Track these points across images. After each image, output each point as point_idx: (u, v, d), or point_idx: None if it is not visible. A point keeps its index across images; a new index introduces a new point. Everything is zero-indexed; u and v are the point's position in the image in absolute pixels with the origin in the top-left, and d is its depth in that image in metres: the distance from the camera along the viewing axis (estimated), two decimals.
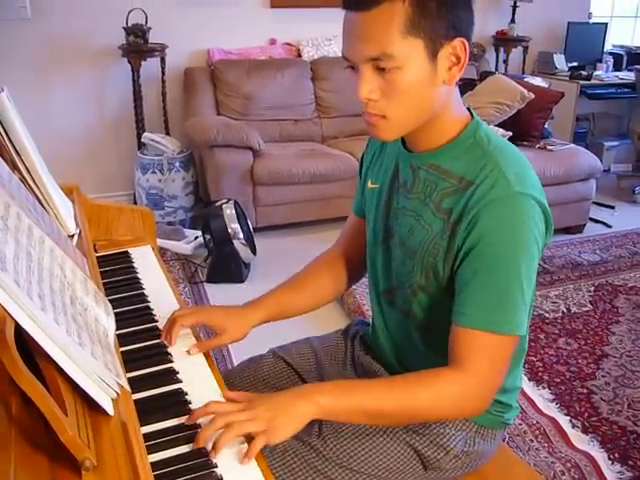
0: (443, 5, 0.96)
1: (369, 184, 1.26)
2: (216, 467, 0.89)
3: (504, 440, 2.09)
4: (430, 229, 1.08)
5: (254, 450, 0.91)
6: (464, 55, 1.00)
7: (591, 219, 4.08)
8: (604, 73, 5.11)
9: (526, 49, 5.05)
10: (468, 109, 1.12)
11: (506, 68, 5.02)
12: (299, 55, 4.43)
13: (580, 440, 2.12)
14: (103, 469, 0.75)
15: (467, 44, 1.00)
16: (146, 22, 3.83)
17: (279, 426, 0.94)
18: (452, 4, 0.97)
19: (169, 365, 1.12)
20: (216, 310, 1.25)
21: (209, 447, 0.91)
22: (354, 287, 2.87)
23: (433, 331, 1.10)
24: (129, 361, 1.08)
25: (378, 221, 1.22)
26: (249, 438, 0.93)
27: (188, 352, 1.16)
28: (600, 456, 2.05)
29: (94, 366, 0.83)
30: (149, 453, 0.87)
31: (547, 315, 2.94)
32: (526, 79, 4.34)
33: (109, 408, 0.83)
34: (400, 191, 1.16)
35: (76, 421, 0.76)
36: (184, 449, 0.91)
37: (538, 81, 4.41)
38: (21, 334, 0.76)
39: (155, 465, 0.86)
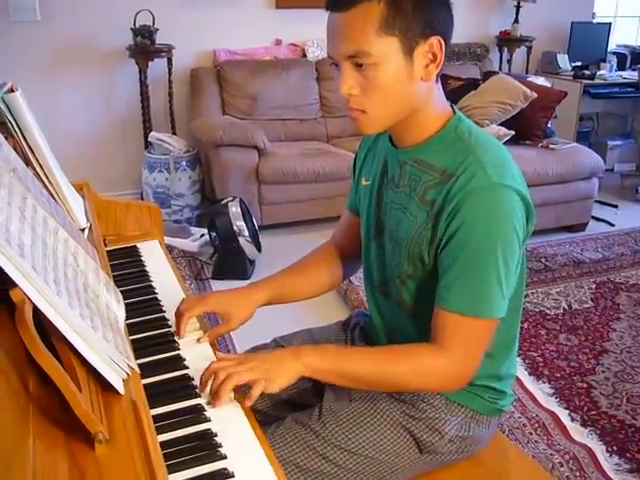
0: (418, 5, 1.01)
1: (362, 182, 1.31)
2: (221, 446, 0.93)
3: (504, 432, 2.13)
4: (415, 220, 1.14)
5: (255, 395, 1.01)
6: (441, 53, 1.05)
7: (594, 217, 4.11)
8: (608, 73, 5.13)
9: (530, 49, 5.08)
10: (451, 105, 1.17)
11: (510, 68, 5.05)
12: (304, 55, 4.48)
13: (579, 433, 2.16)
14: (115, 443, 0.80)
15: (444, 42, 1.05)
16: (153, 23, 3.89)
17: (274, 376, 1.04)
18: (427, 4, 1.03)
19: (176, 352, 1.17)
20: (221, 296, 1.29)
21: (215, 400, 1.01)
22: (358, 284, 2.95)
23: (424, 318, 1.15)
24: (138, 349, 1.13)
25: (371, 217, 1.27)
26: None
27: (198, 340, 1.21)
28: (598, 448, 2.08)
29: (106, 348, 0.88)
30: (158, 433, 0.92)
31: (548, 312, 2.98)
32: (529, 79, 4.37)
33: (120, 387, 0.89)
34: (389, 186, 1.21)
35: (89, 398, 0.81)
36: (191, 430, 0.96)
37: (541, 81, 4.44)
38: (39, 318, 0.81)
39: (163, 444, 0.90)
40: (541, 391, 2.38)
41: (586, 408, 2.28)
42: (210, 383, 1.03)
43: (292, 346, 1.38)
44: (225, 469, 0.89)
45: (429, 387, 1.17)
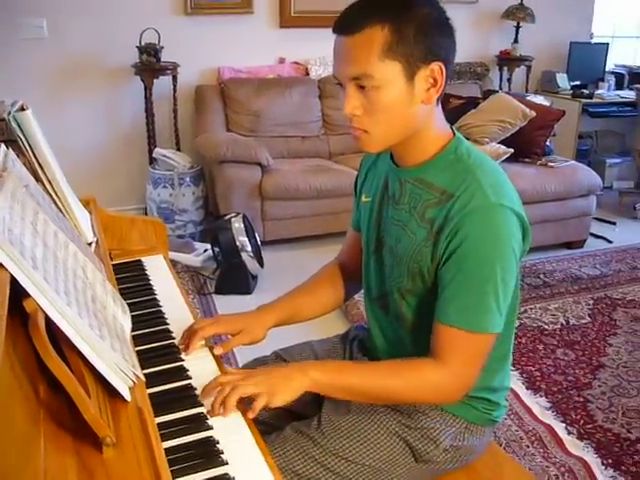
0: (420, 32, 1.06)
1: (363, 198, 1.36)
2: (222, 453, 0.97)
3: (500, 445, 2.16)
4: (415, 237, 1.18)
5: (257, 407, 1.04)
6: (441, 78, 1.10)
7: (592, 234, 4.15)
8: (606, 92, 5.18)
9: (529, 68, 5.14)
10: (451, 127, 1.21)
11: (510, 87, 5.11)
12: (307, 73, 4.55)
13: (575, 446, 2.19)
14: (121, 446, 0.84)
15: (445, 67, 1.10)
16: (159, 41, 3.96)
17: (278, 391, 1.07)
18: (429, 32, 1.08)
19: (180, 363, 1.21)
20: (233, 319, 1.32)
21: (220, 411, 1.04)
22: (358, 298, 2.96)
23: (422, 331, 1.19)
24: (143, 360, 1.16)
25: (370, 232, 1.32)
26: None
27: (211, 349, 1.24)
28: (594, 461, 2.11)
29: (113, 357, 0.92)
30: (162, 440, 0.96)
31: (546, 327, 3.01)
32: (528, 97, 4.43)
33: (126, 394, 0.93)
34: (389, 203, 1.26)
35: (98, 404, 0.85)
36: (194, 437, 0.99)
37: (540, 99, 4.50)
38: (50, 327, 0.86)
39: (167, 450, 0.94)
40: (538, 405, 2.41)
41: (582, 422, 2.31)
42: (214, 394, 1.06)
43: (294, 360, 1.43)
44: (226, 474, 0.92)
45: (426, 400, 1.21)
